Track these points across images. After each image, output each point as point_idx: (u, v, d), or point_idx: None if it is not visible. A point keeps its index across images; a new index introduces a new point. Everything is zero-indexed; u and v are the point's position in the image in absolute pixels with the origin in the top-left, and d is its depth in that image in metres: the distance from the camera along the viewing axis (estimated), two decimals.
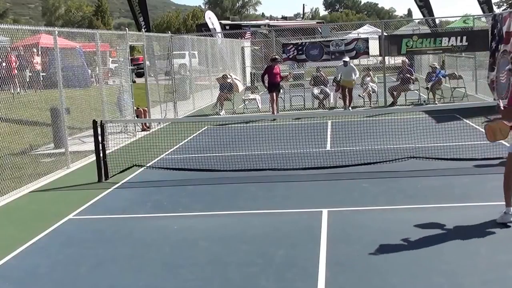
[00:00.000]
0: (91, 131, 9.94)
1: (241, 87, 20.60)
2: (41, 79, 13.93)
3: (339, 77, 16.69)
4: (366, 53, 17.57)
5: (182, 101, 18.65)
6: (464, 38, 16.51)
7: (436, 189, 7.59)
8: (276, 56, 16.07)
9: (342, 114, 15.44)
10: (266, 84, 15.59)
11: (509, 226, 5.89)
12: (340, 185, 8.18)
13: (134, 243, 6.18)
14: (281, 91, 16.43)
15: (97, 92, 13.47)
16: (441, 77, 17.13)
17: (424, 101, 16.99)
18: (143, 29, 18.50)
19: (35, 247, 6.23)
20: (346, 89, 16.40)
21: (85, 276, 5.33)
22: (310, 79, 18.48)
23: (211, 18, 30.67)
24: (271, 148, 10.51)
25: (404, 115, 13.56)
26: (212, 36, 24.89)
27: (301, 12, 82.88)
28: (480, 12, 23.26)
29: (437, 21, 27.37)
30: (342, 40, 18.07)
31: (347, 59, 16.52)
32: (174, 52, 18.15)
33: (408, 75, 16.98)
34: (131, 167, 9.61)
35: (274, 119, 14.76)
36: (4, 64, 10.30)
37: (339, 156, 9.45)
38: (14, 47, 13.04)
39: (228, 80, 18.35)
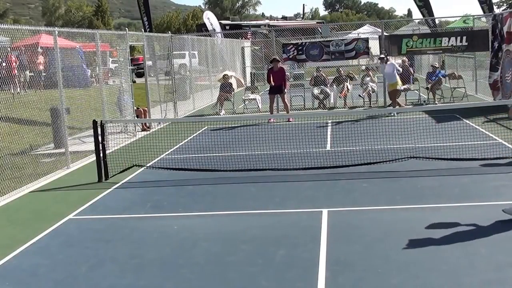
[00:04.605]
0: (91, 131, 9.94)
1: (243, 80, 20.52)
2: (42, 79, 13.93)
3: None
4: (366, 53, 17.55)
5: (182, 101, 18.65)
6: (464, 38, 16.49)
7: (436, 189, 7.59)
8: (275, 57, 15.88)
9: (342, 114, 15.43)
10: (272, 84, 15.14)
11: None
12: (340, 185, 8.18)
13: (134, 243, 6.18)
14: (285, 90, 15.34)
15: (97, 92, 13.47)
16: (441, 77, 17.14)
17: (424, 101, 17.00)
18: (147, 29, 18.54)
19: (35, 247, 6.23)
20: (390, 93, 14.82)
21: (85, 276, 5.33)
22: (310, 79, 18.48)
23: (210, 19, 30.43)
24: (271, 148, 10.51)
25: (404, 115, 13.57)
26: (211, 36, 24.87)
27: (301, 12, 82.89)
28: (480, 12, 23.27)
29: (437, 21, 27.38)
30: (342, 40, 18.05)
31: (383, 55, 15.19)
32: (174, 52, 18.15)
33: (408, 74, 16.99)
34: (131, 167, 9.61)
35: (289, 120, 14.50)
36: (4, 64, 10.30)
37: (339, 156, 9.45)
38: (14, 47, 13.04)
39: (230, 80, 18.33)
